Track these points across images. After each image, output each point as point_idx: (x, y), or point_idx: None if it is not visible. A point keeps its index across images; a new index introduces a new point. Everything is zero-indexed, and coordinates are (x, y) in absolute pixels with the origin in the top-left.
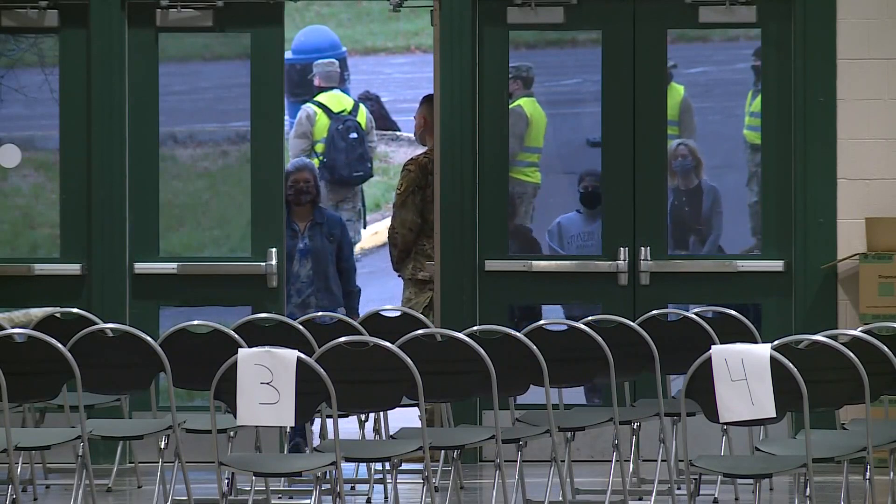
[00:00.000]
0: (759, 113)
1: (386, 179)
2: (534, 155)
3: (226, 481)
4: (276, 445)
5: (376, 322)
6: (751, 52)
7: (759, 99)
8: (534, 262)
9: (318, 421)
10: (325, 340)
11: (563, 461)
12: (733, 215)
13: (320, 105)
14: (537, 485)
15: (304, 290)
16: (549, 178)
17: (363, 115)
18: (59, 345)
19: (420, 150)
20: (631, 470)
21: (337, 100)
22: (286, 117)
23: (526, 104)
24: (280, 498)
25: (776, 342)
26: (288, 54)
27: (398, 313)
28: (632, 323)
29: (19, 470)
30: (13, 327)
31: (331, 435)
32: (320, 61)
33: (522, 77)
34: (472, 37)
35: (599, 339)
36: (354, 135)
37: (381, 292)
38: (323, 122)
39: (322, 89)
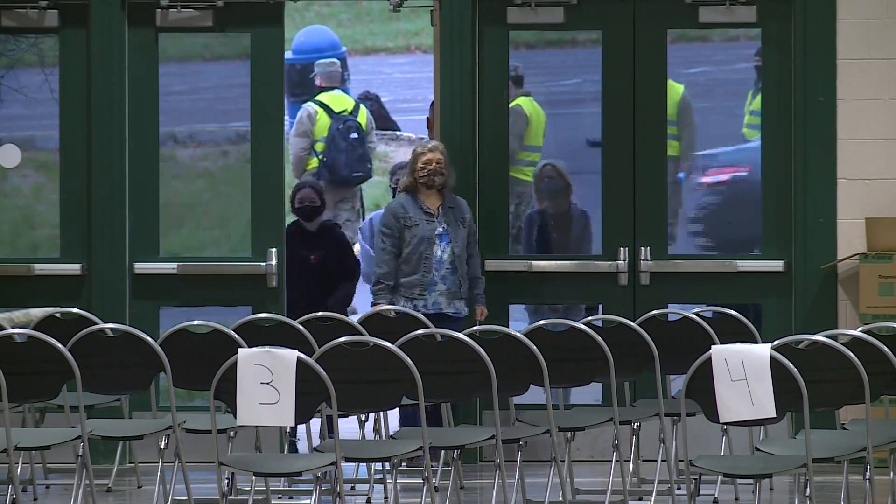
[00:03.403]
0: (759, 112)
1: (386, 179)
2: (534, 154)
3: (226, 481)
4: (276, 445)
5: (376, 322)
6: (751, 52)
7: (759, 98)
8: (534, 262)
9: (318, 421)
10: (325, 340)
11: (563, 461)
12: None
13: (321, 104)
14: (537, 485)
15: (448, 276)
16: None
17: (364, 116)
18: (59, 345)
19: None
20: (631, 470)
21: (338, 100)
22: (286, 117)
23: (525, 103)
24: (280, 498)
25: (776, 342)
26: (288, 54)
27: (398, 313)
28: (632, 323)
29: (19, 470)
30: (13, 327)
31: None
32: (322, 61)
33: (511, 76)
34: (472, 37)
35: (599, 339)
36: (355, 135)
37: None
38: (324, 121)
39: (323, 89)
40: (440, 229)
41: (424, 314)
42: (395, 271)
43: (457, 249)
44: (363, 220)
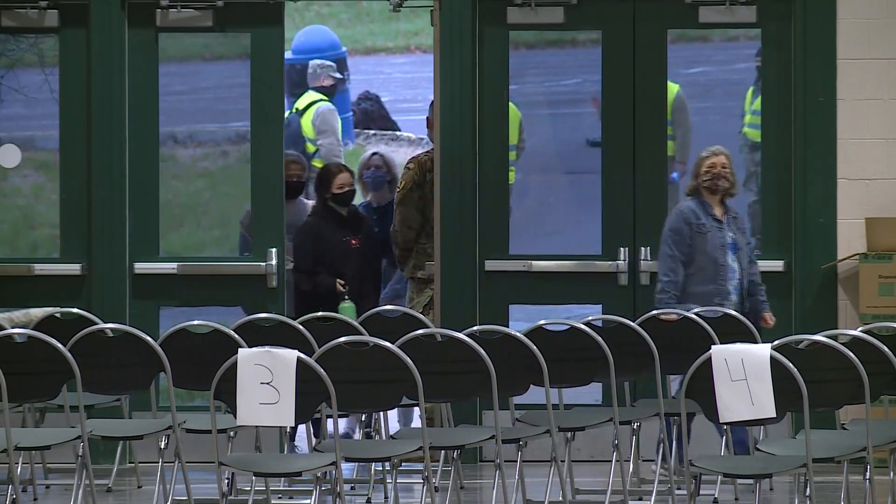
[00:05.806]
0: (760, 111)
1: None
2: (510, 153)
3: (226, 481)
4: (276, 445)
5: (376, 322)
6: (751, 52)
7: (760, 98)
8: (534, 262)
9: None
10: (325, 340)
11: (563, 461)
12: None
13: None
14: (537, 485)
15: (737, 287)
16: (538, 177)
17: (307, 118)
18: (59, 345)
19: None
20: (631, 470)
21: (299, 101)
22: (286, 117)
23: None
24: (280, 498)
25: (776, 342)
26: (288, 54)
27: (398, 313)
28: (632, 323)
29: (19, 470)
30: (13, 327)
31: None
32: (316, 62)
33: None
34: (472, 37)
35: (599, 339)
36: None
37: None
38: None
39: (323, 89)
40: (729, 238)
41: None
42: (683, 280)
43: (744, 261)
44: None
